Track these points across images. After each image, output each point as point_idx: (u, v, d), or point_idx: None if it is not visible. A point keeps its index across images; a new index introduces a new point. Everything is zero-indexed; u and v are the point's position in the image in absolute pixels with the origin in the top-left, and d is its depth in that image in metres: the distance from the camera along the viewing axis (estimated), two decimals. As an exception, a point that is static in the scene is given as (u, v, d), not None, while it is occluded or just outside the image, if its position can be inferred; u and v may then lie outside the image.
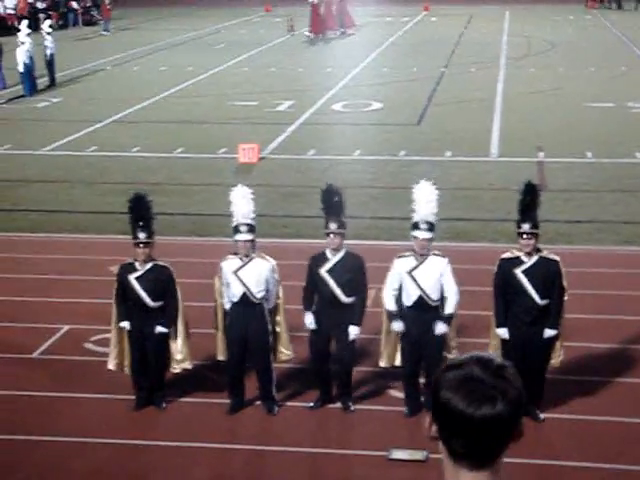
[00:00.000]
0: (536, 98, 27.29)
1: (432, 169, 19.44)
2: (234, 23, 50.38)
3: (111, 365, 9.91)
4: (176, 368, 9.83)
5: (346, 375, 9.79)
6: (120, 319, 9.74)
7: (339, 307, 9.60)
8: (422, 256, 9.34)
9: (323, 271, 9.59)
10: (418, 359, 9.46)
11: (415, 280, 9.29)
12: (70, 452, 9.00)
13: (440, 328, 9.32)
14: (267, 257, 9.64)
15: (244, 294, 9.43)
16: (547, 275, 9.19)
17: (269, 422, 9.54)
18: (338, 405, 9.82)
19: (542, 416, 9.39)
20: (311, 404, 9.81)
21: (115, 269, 10.01)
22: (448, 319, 9.36)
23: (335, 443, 9.18)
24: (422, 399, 9.51)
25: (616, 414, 9.44)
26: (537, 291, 9.19)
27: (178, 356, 9.76)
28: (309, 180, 18.83)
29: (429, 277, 9.28)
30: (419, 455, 8.72)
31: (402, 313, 9.45)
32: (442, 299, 9.37)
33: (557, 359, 9.47)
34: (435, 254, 9.41)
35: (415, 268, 9.33)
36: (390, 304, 9.50)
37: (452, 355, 8.97)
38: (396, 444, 8.89)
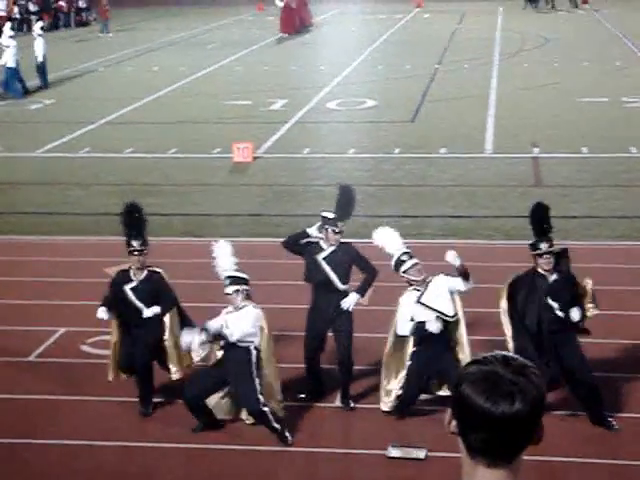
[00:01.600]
0: (530, 94, 27.28)
1: (427, 167, 19.47)
2: (226, 22, 50.31)
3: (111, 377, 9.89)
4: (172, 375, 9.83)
5: (346, 373, 9.80)
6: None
7: (336, 294, 9.67)
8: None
9: (320, 258, 9.67)
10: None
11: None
12: (70, 455, 8.98)
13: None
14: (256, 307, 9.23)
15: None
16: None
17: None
18: (337, 403, 9.80)
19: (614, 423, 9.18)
20: (302, 395, 9.79)
21: (111, 272, 9.98)
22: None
23: (334, 442, 9.16)
24: None
25: (616, 410, 9.43)
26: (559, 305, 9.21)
27: (171, 365, 9.73)
28: (304, 179, 18.82)
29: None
30: (419, 453, 8.70)
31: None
32: None
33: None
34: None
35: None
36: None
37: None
38: (396, 442, 8.87)
